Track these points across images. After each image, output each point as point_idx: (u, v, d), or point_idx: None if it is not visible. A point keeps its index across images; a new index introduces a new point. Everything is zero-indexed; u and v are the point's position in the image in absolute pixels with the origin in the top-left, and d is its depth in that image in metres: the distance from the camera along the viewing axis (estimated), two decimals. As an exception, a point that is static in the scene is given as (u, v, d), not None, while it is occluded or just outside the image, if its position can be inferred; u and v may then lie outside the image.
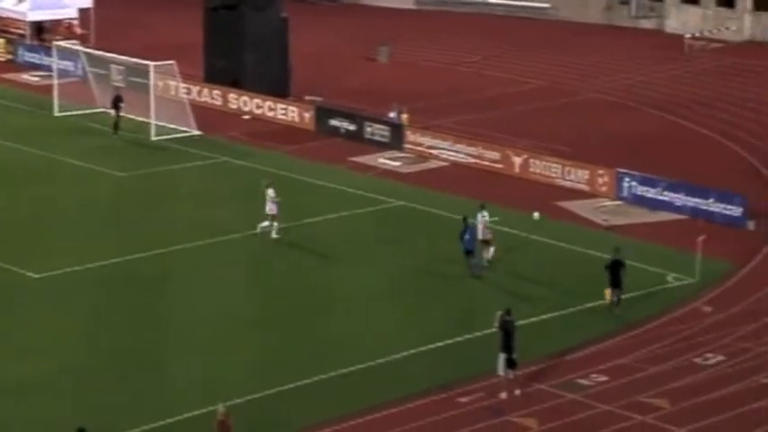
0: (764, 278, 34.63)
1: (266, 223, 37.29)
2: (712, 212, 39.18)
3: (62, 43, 56.80)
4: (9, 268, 34.99)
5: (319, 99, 52.80)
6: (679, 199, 40.07)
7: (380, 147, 47.38)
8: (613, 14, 71.30)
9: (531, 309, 31.87)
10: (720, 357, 29.57)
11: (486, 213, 35.24)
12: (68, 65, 55.97)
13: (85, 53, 54.94)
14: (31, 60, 61.15)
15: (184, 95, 51.46)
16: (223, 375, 28.70)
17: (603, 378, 28.52)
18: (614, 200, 41.39)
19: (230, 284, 34.30)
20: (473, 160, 45.19)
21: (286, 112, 51.48)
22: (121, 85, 53.01)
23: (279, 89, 53.14)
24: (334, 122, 49.50)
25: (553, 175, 43.13)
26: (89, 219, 39.88)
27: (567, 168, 42.92)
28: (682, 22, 68.02)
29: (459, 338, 30.56)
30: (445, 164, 45.57)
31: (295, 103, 51.89)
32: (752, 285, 34.16)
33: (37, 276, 34.55)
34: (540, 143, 46.62)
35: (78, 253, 36.23)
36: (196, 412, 26.48)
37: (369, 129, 48.26)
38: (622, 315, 32.00)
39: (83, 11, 63.94)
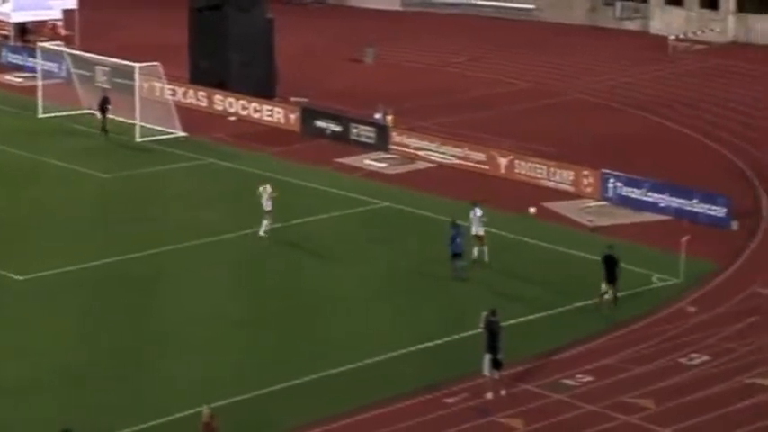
0: (748, 278, 34.79)
1: (266, 222, 37.40)
2: (696, 213, 39.35)
3: (46, 44, 56.71)
4: (-7, 270, 34.98)
5: (305, 100, 52.81)
6: (663, 200, 40.24)
7: (366, 148, 47.43)
8: (598, 16, 71.49)
9: (517, 309, 31.95)
10: (705, 357, 29.71)
11: (478, 210, 35.41)
12: (53, 66, 55.86)
13: (70, 54, 54.85)
14: (15, 62, 61.02)
15: (169, 97, 51.42)
16: (212, 376, 28.71)
17: (589, 378, 28.62)
18: (599, 201, 41.55)
19: (219, 285, 34.30)
20: (459, 161, 45.29)
21: (272, 114, 51.49)
22: (106, 86, 52.92)
23: (264, 90, 53.13)
24: (319, 124, 49.53)
25: (538, 176, 43.26)
26: (74, 220, 39.83)
27: (553, 169, 43.05)
28: (666, 23, 68.26)
29: (448, 338, 30.64)
30: (431, 165, 45.65)
31: (281, 105, 51.91)
32: (736, 286, 34.31)
33: (21, 278, 34.50)
34: (525, 144, 46.74)
35: (63, 254, 36.18)
36: (186, 412, 26.46)
37: (355, 130, 48.31)
38: (609, 315, 32.11)
39: (67, 12, 63.83)
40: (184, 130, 49.27)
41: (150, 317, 32.18)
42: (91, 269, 35.18)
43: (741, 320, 31.92)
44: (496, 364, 27.70)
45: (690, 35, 66.21)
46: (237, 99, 52.52)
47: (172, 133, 49.03)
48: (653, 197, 40.43)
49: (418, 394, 27.73)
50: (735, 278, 34.96)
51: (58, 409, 26.88)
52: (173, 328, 31.45)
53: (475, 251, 35.18)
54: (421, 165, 45.76)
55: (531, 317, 32.01)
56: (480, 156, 44.88)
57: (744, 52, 64.33)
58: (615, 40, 67.41)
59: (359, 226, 39.25)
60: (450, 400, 27.50)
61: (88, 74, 54.48)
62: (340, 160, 46.10)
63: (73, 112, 51.79)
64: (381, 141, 47.47)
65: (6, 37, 63.91)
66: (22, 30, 64.58)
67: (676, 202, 39.93)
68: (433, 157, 45.92)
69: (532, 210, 39.10)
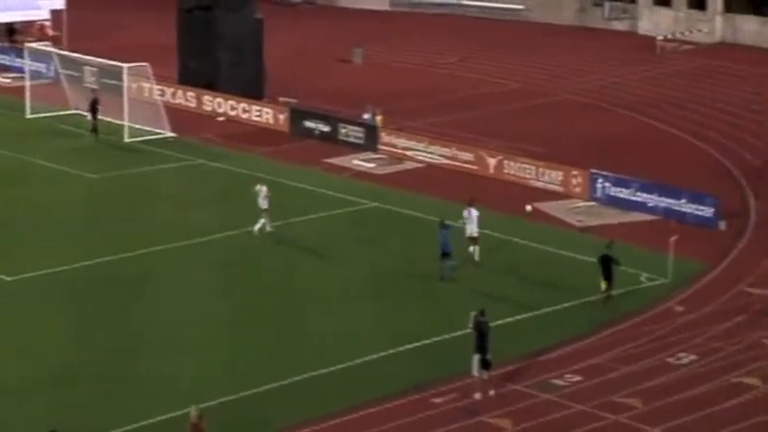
0: (736, 278, 34.91)
1: (263, 220, 37.38)
2: (684, 213, 39.46)
3: (34, 45, 56.60)
4: (-19, 271, 34.91)
5: (294, 101, 52.82)
6: (652, 200, 40.34)
7: (355, 148, 47.46)
8: (586, 16, 71.65)
9: (506, 309, 32.02)
10: (693, 357, 29.80)
11: (474, 210, 35.43)
12: (41, 66, 55.78)
13: (58, 55, 54.78)
14: (3, 62, 60.90)
15: (158, 97, 51.39)
16: (202, 376, 28.71)
17: (578, 378, 28.69)
18: (588, 201, 41.64)
19: (208, 286, 34.30)
20: (447, 161, 45.34)
21: (261, 114, 51.49)
22: (95, 87, 52.87)
23: (253, 91, 53.14)
24: (308, 124, 49.54)
25: (527, 176, 43.33)
26: (63, 221, 39.77)
27: (541, 169, 43.13)
28: (654, 23, 68.44)
29: (436, 339, 30.67)
30: (420, 165, 45.70)
31: (269, 105, 51.92)
32: (723, 285, 34.42)
33: (9, 279, 34.45)
34: (514, 144, 46.82)
35: (52, 255, 36.13)
36: (176, 413, 26.43)
37: (343, 130, 48.33)
38: (596, 316, 32.20)
39: (55, 12, 63.74)
40: (173, 131, 49.25)
41: (138, 317, 32.15)
42: (80, 269, 35.14)
43: (728, 320, 32.03)
44: (485, 365, 27.75)
45: (678, 35, 66.39)
46: (226, 99, 52.51)
47: (160, 134, 49.00)
48: (641, 197, 40.54)
49: (407, 394, 27.77)
50: (722, 278, 35.07)
51: (46, 410, 26.85)
52: (161, 329, 31.44)
53: (471, 249, 35.25)
54: (409, 165, 45.81)
55: (519, 317, 32.07)
56: (469, 156, 44.94)
57: (731, 53, 64.52)
58: (604, 41, 67.55)
59: (347, 226, 39.27)
60: (438, 401, 27.54)
61: (76, 74, 54.42)
62: (329, 160, 46.12)
63: (61, 113, 51.74)
64: (370, 141, 47.50)
65: (-7, 37, 63.88)
66: (10, 30, 64.49)
67: (664, 201, 40.04)
68: (421, 158, 45.97)
69: (529, 207, 39.08)
